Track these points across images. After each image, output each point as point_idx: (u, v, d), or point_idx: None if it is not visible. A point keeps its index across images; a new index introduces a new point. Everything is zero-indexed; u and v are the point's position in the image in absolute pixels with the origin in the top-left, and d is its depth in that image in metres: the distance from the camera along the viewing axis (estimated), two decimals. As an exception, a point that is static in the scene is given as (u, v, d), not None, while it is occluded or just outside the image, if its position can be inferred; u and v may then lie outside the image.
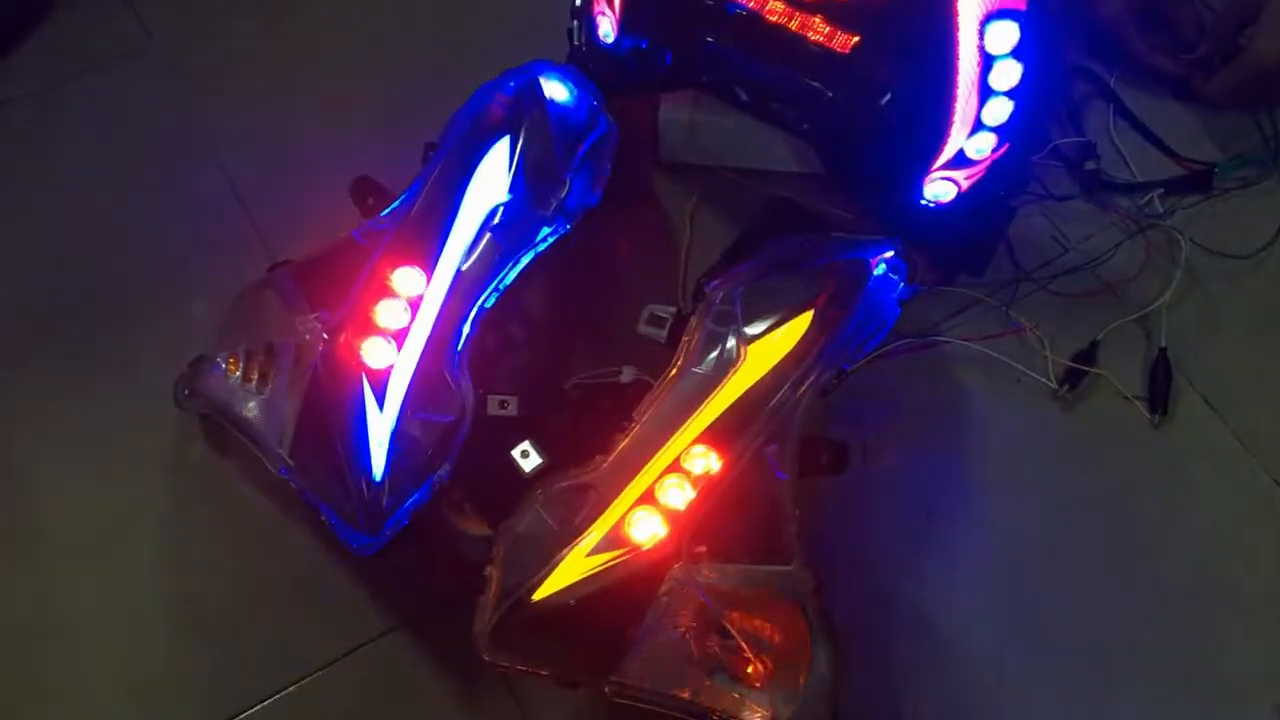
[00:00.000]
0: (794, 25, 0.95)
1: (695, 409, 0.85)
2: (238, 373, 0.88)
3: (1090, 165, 1.11)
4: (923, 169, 0.98)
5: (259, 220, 1.09)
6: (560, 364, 1.00)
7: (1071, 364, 1.04)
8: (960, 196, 0.99)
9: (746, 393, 0.86)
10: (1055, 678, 0.94)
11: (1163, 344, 1.04)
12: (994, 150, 0.96)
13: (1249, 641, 0.95)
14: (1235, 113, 1.16)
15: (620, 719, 0.85)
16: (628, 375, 0.98)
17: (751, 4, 0.96)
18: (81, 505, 0.98)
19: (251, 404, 0.89)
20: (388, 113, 1.15)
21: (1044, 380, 1.04)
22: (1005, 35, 0.90)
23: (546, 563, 0.81)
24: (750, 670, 0.81)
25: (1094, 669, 0.94)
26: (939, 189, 0.99)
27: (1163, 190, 1.12)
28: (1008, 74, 0.92)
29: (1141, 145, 1.15)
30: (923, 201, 1.00)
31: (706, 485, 0.83)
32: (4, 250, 1.08)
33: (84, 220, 1.10)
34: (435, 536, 0.91)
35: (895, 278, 0.94)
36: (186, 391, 0.95)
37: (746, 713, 0.81)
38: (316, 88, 1.17)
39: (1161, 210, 1.11)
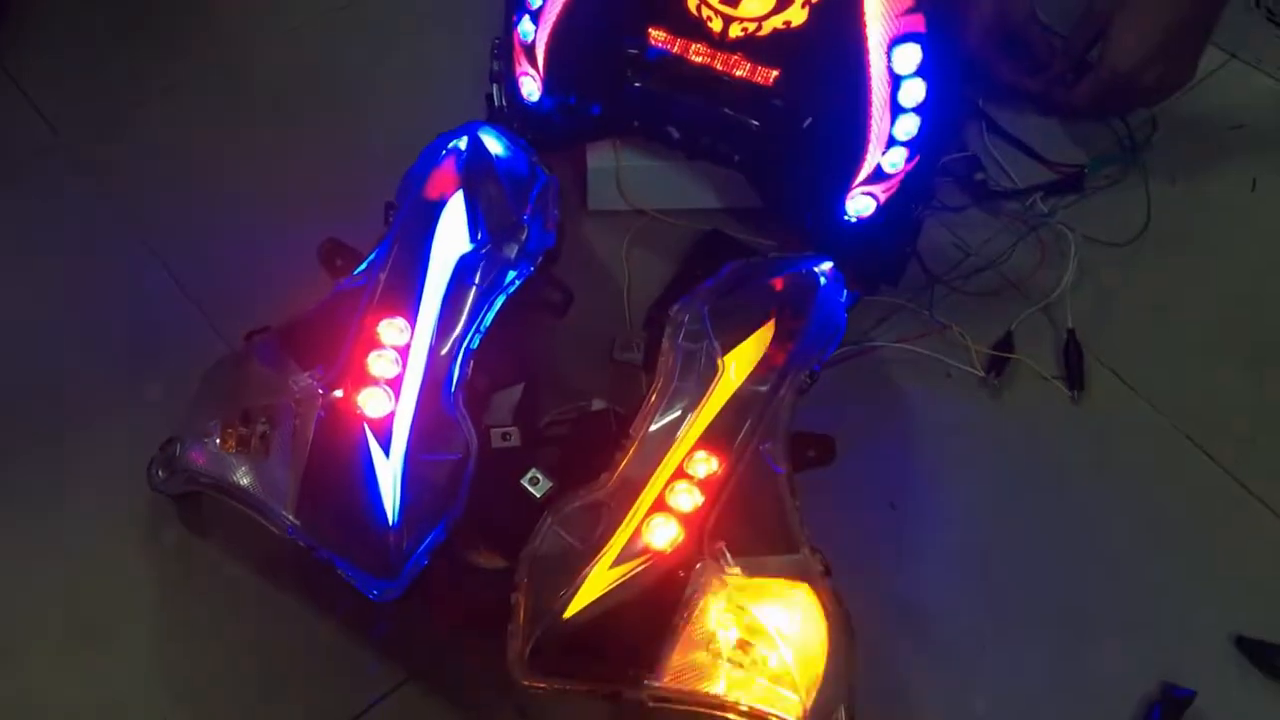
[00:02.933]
0: (717, 65, 1.03)
1: (688, 418, 0.90)
2: (230, 443, 0.88)
3: (979, 176, 1.22)
4: (845, 186, 1.06)
5: (200, 299, 1.10)
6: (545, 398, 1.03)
7: (993, 353, 1.13)
8: (879, 210, 1.08)
9: (731, 398, 0.91)
10: (1031, 638, 1.00)
11: (1070, 326, 1.14)
12: (906, 163, 1.05)
13: (1194, 582, 1.03)
14: (1092, 120, 1.29)
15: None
16: (597, 405, 1.02)
17: (675, 49, 1.04)
18: (60, 605, 0.96)
19: (243, 471, 0.89)
20: (309, 186, 1.18)
21: (972, 370, 1.12)
22: (910, 56, 0.99)
23: (572, 580, 0.84)
24: (776, 661, 0.85)
25: (1063, 625, 1.00)
26: (860, 204, 1.08)
27: (1043, 193, 1.23)
28: (914, 92, 1.01)
29: (1016, 155, 1.27)
30: (846, 217, 1.08)
31: (712, 486, 0.87)
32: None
33: (19, 324, 1.09)
34: (435, 582, 0.92)
35: (839, 285, 1.01)
36: (162, 474, 0.94)
37: (777, 701, 0.84)
38: (236, 166, 1.20)
39: (1045, 210, 1.22)
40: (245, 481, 0.88)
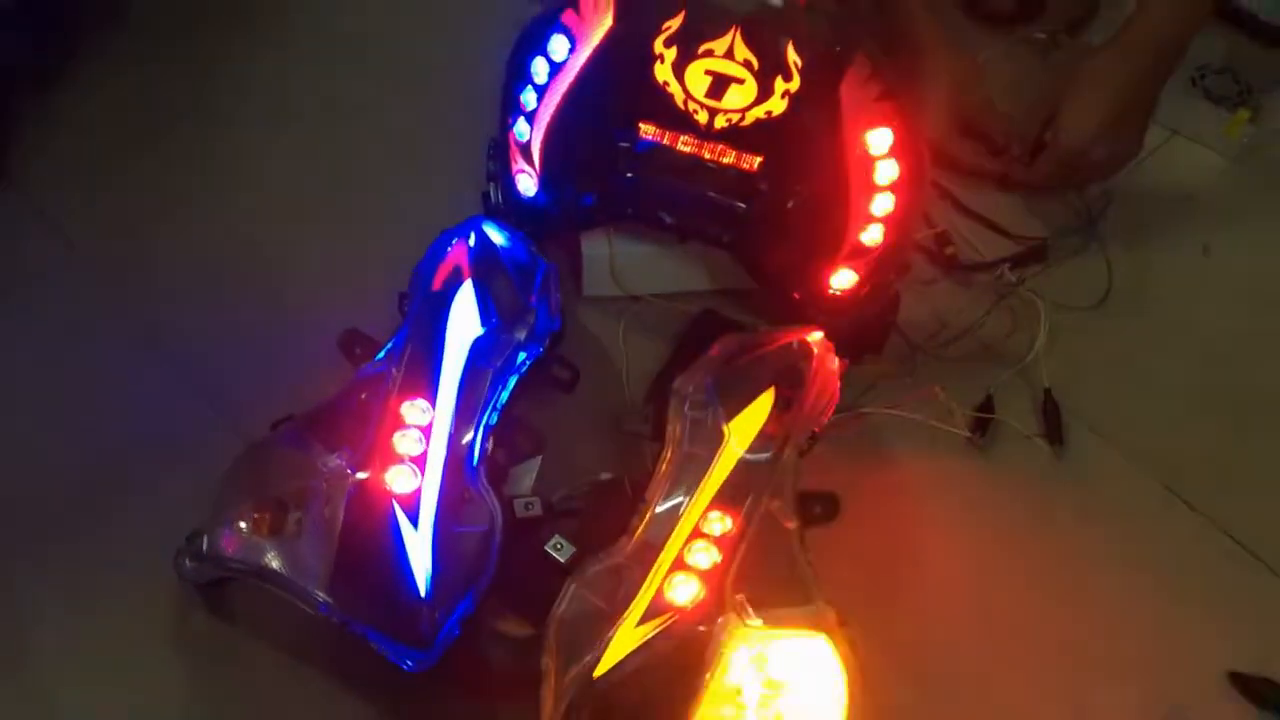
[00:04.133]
0: (705, 154, 1.10)
1: (699, 482, 0.95)
2: (263, 528, 0.91)
3: (949, 250, 1.30)
4: (828, 261, 1.13)
5: (218, 400, 1.14)
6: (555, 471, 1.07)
7: (976, 414, 1.19)
8: (860, 283, 1.14)
9: (739, 462, 0.96)
10: (1033, 682, 1.04)
11: (1046, 386, 1.21)
12: (884, 238, 1.12)
13: (1186, 622, 1.08)
14: (1048, 195, 1.37)
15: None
16: (605, 476, 1.06)
17: (664, 140, 1.11)
18: (95, 703, 0.98)
19: (274, 554, 0.92)
20: (319, 283, 1.24)
21: (958, 431, 1.18)
22: (883, 139, 1.07)
23: (600, 640, 0.87)
24: (799, 709, 0.88)
25: (1063, 668, 1.05)
26: (843, 279, 1.14)
27: (1010, 264, 1.30)
28: (888, 171, 1.08)
29: (982, 231, 1.35)
30: (831, 291, 1.15)
31: (728, 544, 0.91)
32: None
33: (42, 428, 1.13)
34: (462, 652, 0.94)
35: (831, 354, 1.07)
36: (190, 563, 0.97)
37: (802, 749, 0.88)
38: (248, 269, 1.25)
39: (1014, 280, 1.29)
40: (276, 564, 0.91)
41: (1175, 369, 1.25)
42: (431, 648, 0.87)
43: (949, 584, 1.08)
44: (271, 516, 0.91)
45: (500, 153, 1.18)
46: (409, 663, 0.87)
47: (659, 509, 0.94)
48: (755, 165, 1.10)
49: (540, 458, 1.03)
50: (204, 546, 0.95)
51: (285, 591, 0.91)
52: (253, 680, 0.98)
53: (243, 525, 0.93)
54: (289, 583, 0.90)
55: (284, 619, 0.95)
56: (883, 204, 1.10)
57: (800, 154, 1.08)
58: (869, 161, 1.08)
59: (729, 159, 1.10)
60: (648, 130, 1.11)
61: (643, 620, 0.88)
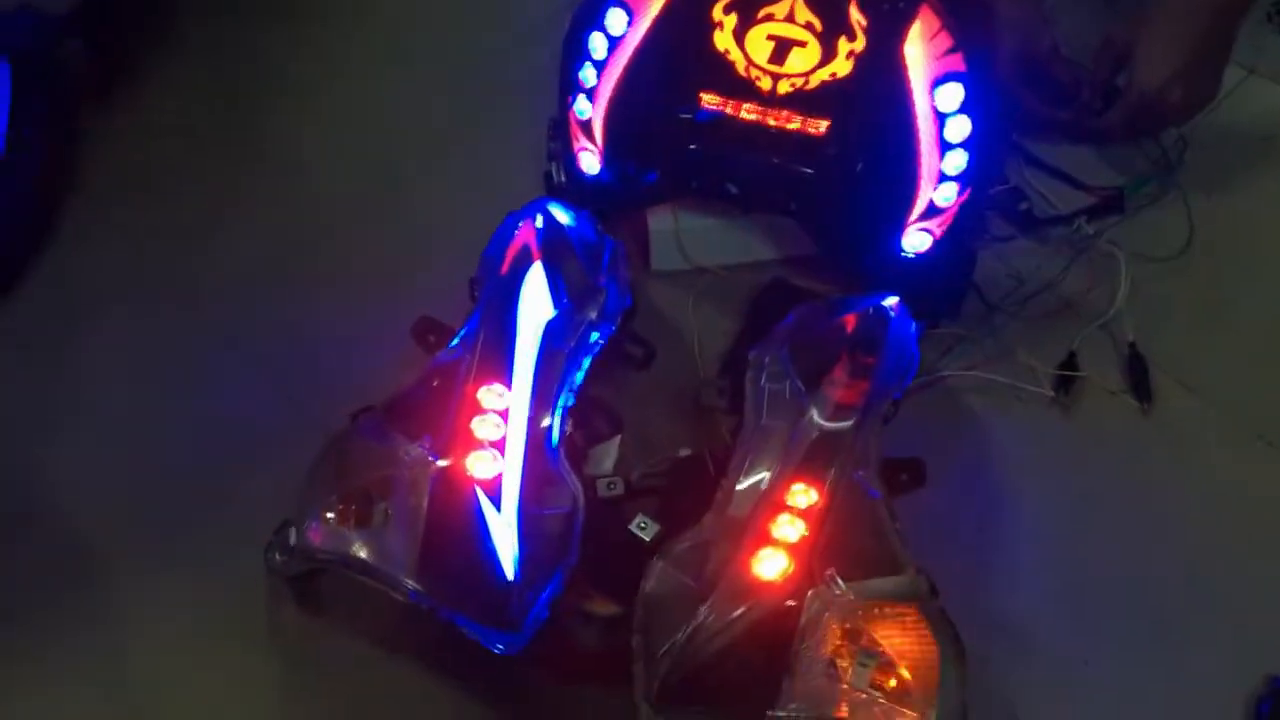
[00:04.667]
0: (769, 121, 1.08)
1: (781, 454, 0.93)
2: (350, 519, 0.91)
3: (1024, 206, 1.27)
4: (900, 224, 1.11)
5: (293, 395, 1.15)
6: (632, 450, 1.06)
7: (1059, 373, 1.16)
8: (935, 244, 1.12)
9: (822, 432, 0.95)
10: (1131, 646, 1.01)
11: (1130, 340, 1.17)
12: (958, 196, 1.09)
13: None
14: (1123, 144, 1.33)
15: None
16: (684, 452, 1.06)
17: (727, 110, 1.09)
18: (193, 696, 0.99)
19: (361, 544, 0.92)
20: (388, 273, 1.24)
21: (1041, 391, 1.15)
22: (953, 95, 1.04)
23: (691, 617, 0.87)
24: (893, 682, 0.87)
25: (1160, 631, 1.02)
26: (916, 240, 1.12)
27: (1087, 216, 1.27)
28: (960, 128, 1.06)
29: (1055, 184, 1.31)
30: (904, 254, 1.12)
31: (814, 516, 0.90)
32: (50, 473, 1.11)
33: (126, 435, 1.15)
34: (550, 634, 0.94)
35: (908, 318, 1.05)
36: (279, 556, 0.98)
37: (898, 720, 0.87)
38: (316, 268, 1.25)
39: (1092, 232, 1.26)
40: (364, 554, 0.91)
41: (1264, 315, 1.22)
42: (521, 630, 0.87)
43: (1040, 548, 1.06)
44: (357, 507, 0.91)
45: (561, 131, 1.17)
46: (499, 646, 0.88)
47: (741, 484, 0.93)
48: (822, 129, 1.07)
49: (619, 437, 1.03)
50: (291, 539, 0.96)
51: (374, 580, 0.91)
52: (344, 671, 0.99)
53: (330, 517, 0.93)
54: (377, 571, 0.90)
55: (373, 609, 0.96)
56: (955, 161, 1.07)
57: (868, 115, 1.06)
58: (939, 118, 1.05)
59: (794, 125, 1.08)
60: (710, 100, 1.09)
61: (732, 596, 0.87)
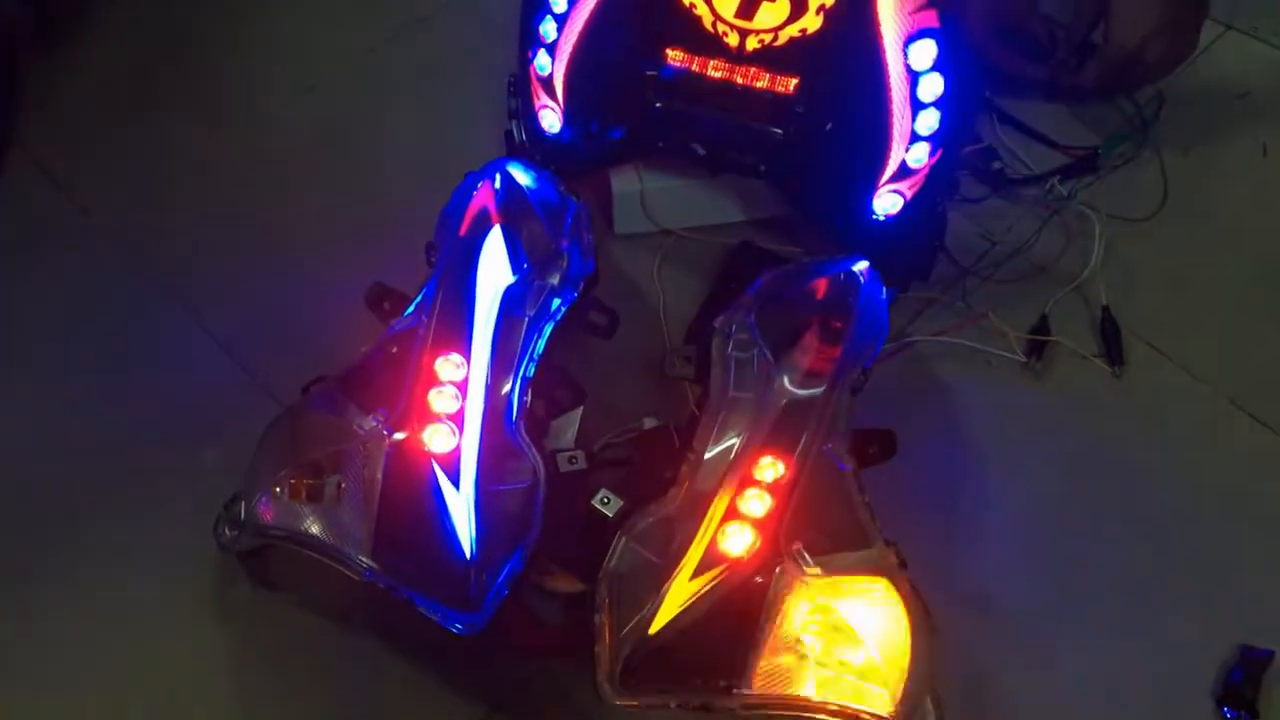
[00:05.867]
0: (737, 79, 1.05)
1: (748, 426, 0.91)
2: (300, 493, 0.88)
3: (996, 165, 1.24)
4: (872, 185, 1.08)
5: (248, 363, 1.11)
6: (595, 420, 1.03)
7: (1031, 337, 1.14)
8: (906, 206, 1.09)
9: (789, 403, 0.92)
10: (1104, 614, 1.00)
11: (1104, 303, 1.15)
12: (930, 157, 1.06)
13: (1258, 543, 1.04)
14: (1099, 102, 1.30)
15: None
16: (649, 423, 1.03)
17: (693, 66, 1.05)
18: (137, 676, 0.96)
19: (314, 520, 0.89)
20: (342, 238, 1.20)
21: (1012, 356, 1.13)
22: (926, 52, 1.01)
23: (654, 595, 0.84)
24: (862, 657, 0.85)
25: (1133, 598, 1.01)
26: (887, 202, 1.09)
27: (1060, 176, 1.25)
28: (932, 86, 1.03)
29: (1028, 143, 1.29)
30: (875, 216, 1.09)
31: (782, 490, 0.88)
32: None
33: (68, 400, 1.10)
34: (511, 612, 0.92)
35: (878, 283, 1.02)
36: (229, 531, 0.94)
37: (866, 697, 0.85)
38: (268, 226, 1.21)
39: (1065, 193, 1.23)
40: (317, 530, 0.88)
41: (1238, 278, 1.20)
42: (480, 610, 0.85)
43: (1011, 517, 1.05)
44: (309, 482, 0.88)
45: (522, 88, 1.13)
46: (458, 626, 0.85)
47: (708, 456, 0.90)
48: (791, 87, 1.04)
49: (581, 408, 1.00)
50: (242, 514, 0.92)
51: (328, 558, 0.88)
52: (298, 650, 0.97)
53: (280, 491, 0.90)
54: (331, 549, 0.87)
55: (328, 586, 0.92)
56: (928, 121, 1.04)
57: (838, 72, 1.03)
58: (912, 76, 1.02)
59: (762, 82, 1.04)
60: (675, 56, 1.05)
61: (697, 573, 0.85)
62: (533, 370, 0.94)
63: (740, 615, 0.84)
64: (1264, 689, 0.94)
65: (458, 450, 0.88)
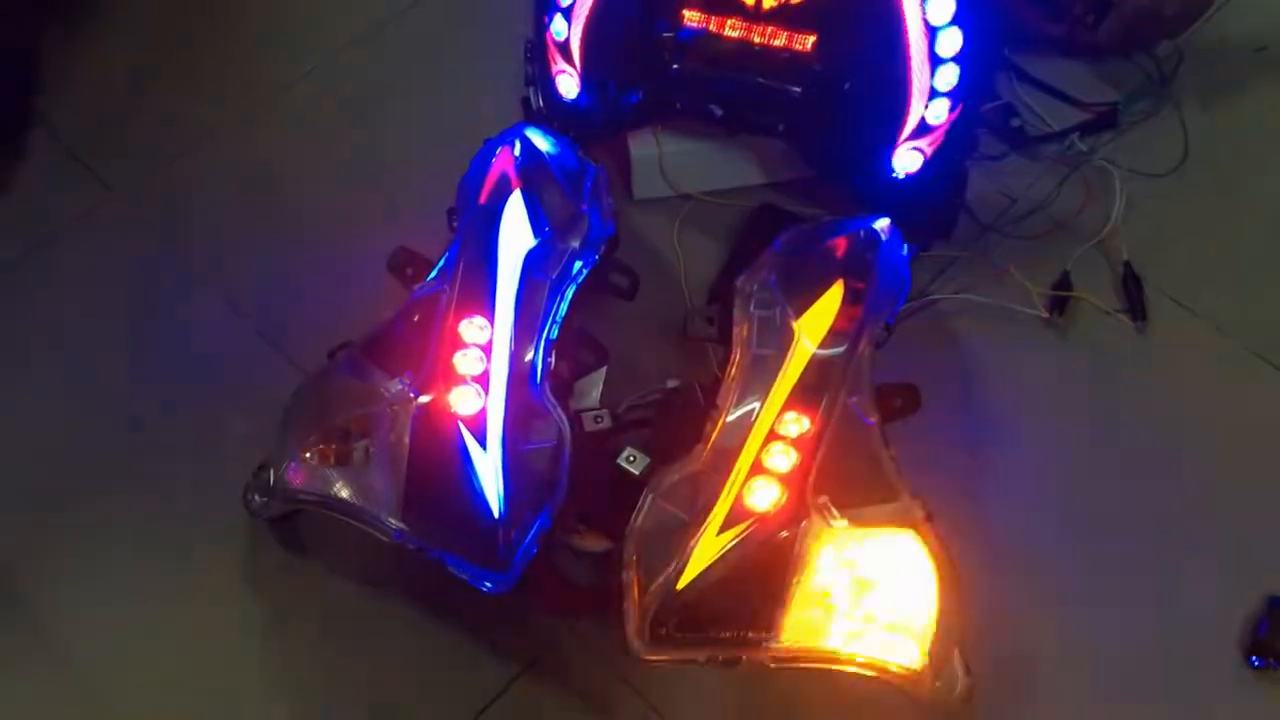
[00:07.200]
0: (754, 38, 1.04)
1: (772, 383, 0.91)
2: (330, 458, 0.89)
3: (1015, 123, 1.23)
4: (891, 143, 1.07)
5: (270, 332, 1.12)
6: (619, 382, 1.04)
7: (1053, 293, 1.13)
8: (926, 164, 1.09)
9: (812, 359, 0.92)
10: (1130, 567, 1.01)
11: (1125, 259, 1.15)
12: (950, 113, 1.05)
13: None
14: (1117, 58, 1.29)
15: (763, 699, 0.89)
16: (672, 384, 1.03)
17: (710, 26, 1.05)
18: (171, 644, 0.97)
19: (343, 484, 0.90)
20: (363, 206, 1.20)
21: (1035, 312, 1.13)
22: (944, 7, 1.00)
23: (682, 551, 0.85)
24: (889, 610, 0.86)
25: (1159, 551, 1.01)
26: (907, 160, 1.08)
27: (1080, 133, 1.24)
28: (951, 41, 1.02)
29: (1047, 100, 1.28)
30: (895, 175, 1.09)
31: (807, 444, 0.88)
32: (19, 418, 1.08)
33: (95, 374, 1.11)
34: (539, 571, 0.92)
35: (899, 240, 1.02)
36: (259, 498, 0.95)
37: (895, 650, 0.85)
38: (287, 197, 1.22)
39: (1085, 150, 1.23)
40: (346, 494, 0.89)
41: (1260, 232, 1.20)
42: (509, 568, 0.85)
43: (1035, 470, 1.05)
44: (337, 446, 0.89)
45: (538, 54, 1.13)
46: (488, 584, 0.86)
47: (732, 414, 0.90)
48: (809, 45, 1.04)
49: (605, 369, 1.00)
50: (271, 480, 0.93)
51: (358, 521, 0.89)
52: (331, 613, 0.98)
53: (309, 456, 0.90)
54: (361, 511, 0.88)
55: (358, 550, 0.94)
56: (946, 77, 1.04)
57: (856, 29, 1.03)
58: (930, 31, 1.01)
59: (780, 41, 1.04)
60: (691, 17, 1.05)
61: (723, 528, 0.86)
62: (556, 332, 0.94)
63: (767, 569, 0.85)
64: (1292, 639, 0.94)
65: (484, 411, 0.89)
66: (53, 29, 1.32)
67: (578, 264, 0.98)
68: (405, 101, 1.29)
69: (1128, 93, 1.27)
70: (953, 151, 1.10)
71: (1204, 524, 1.02)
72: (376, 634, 0.97)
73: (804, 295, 0.97)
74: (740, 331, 0.96)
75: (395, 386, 0.89)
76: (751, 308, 0.96)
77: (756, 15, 1.03)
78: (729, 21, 1.04)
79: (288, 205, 1.21)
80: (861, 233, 1.02)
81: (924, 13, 1.01)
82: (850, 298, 0.96)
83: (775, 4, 1.02)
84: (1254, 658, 0.94)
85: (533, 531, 0.87)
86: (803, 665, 0.85)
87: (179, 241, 1.19)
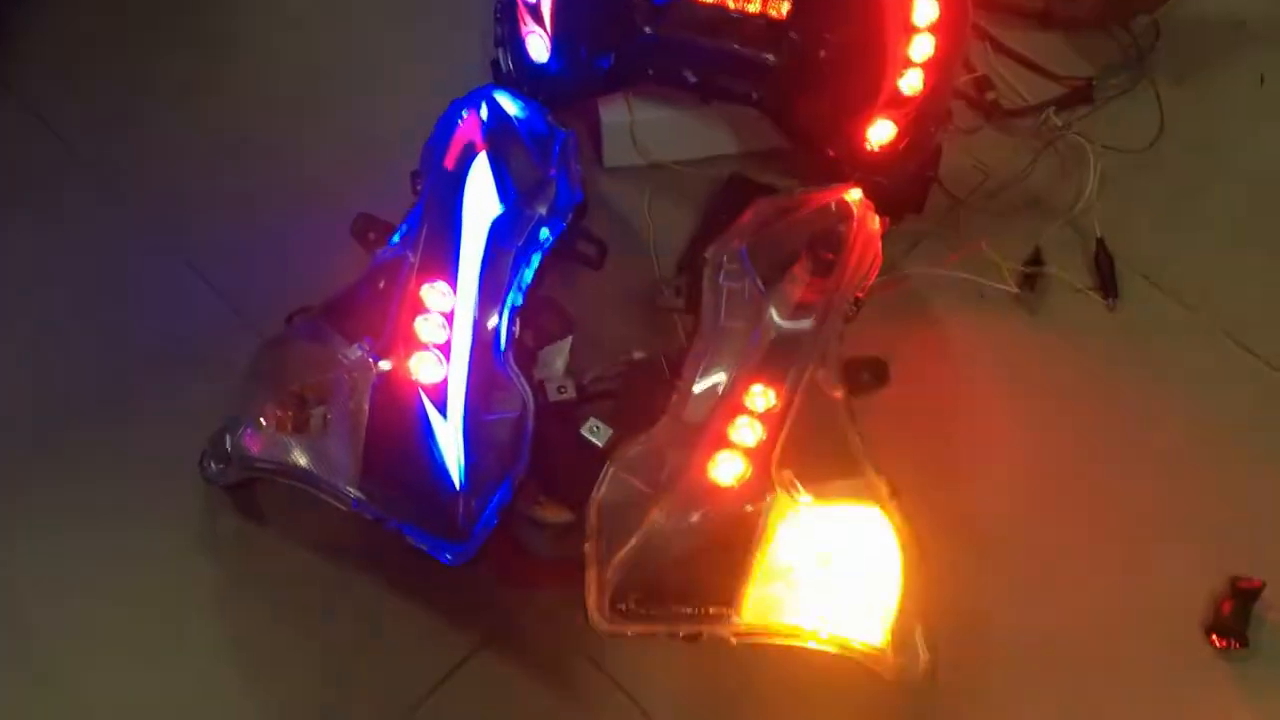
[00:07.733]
0: (730, 4, 1.03)
1: (739, 355, 0.90)
2: (286, 425, 0.87)
3: (990, 96, 1.22)
4: (865, 114, 1.05)
5: (231, 295, 1.10)
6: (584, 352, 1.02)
7: (1025, 269, 1.13)
8: (900, 135, 1.07)
9: (780, 332, 0.91)
10: (1095, 546, 1.01)
11: (1098, 235, 1.14)
12: (924, 84, 1.04)
13: (1251, 475, 1.03)
14: (1093, 32, 1.28)
15: (725, 674, 0.89)
16: (638, 355, 1.02)
17: (685, -9, 1.03)
18: (124, 606, 0.95)
19: (300, 451, 0.88)
20: (325, 169, 1.18)
21: (1006, 288, 1.12)
22: (921, -25, 0.99)
23: (644, 523, 0.84)
24: (853, 585, 0.85)
25: (1125, 530, 1.01)
26: (881, 131, 1.07)
27: (1055, 107, 1.23)
28: (928, 11, 1.01)
29: (1023, 73, 1.26)
30: (868, 146, 1.08)
31: (773, 419, 0.87)
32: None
33: (54, 340, 1.09)
34: (499, 542, 0.91)
35: (872, 213, 1.01)
36: (215, 465, 0.93)
37: (858, 626, 0.85)
38: (250, 159, 1.19)
39: (1060, 124, 1.21)
40: (304, 461, 0.88)
41: (1234, 210, 1.19)
42: (469, 539, 0.84)
43: (1002, 447, 1.04)
44: (294, 413, 0.87)
45: (508, 14, 1.11)
46: (447, 556, 0.85)
47: (698, 386, 0.89)
48: (784, 12, 1.02)
49: (570, 339, 0.99)
50: (228, 447, 0.91)
51: (315, 490, 0.88)
52: (287, 581, 0.96)
53: (265, 423, 0.89)
54: (318, 480, 0.87)
55: (316, 518, 0.92)
56: (922, 47, 1.03)
57: (833, -4, 1.01)
58: (906, 1, 0.99)
59: (755, 7, 1.03)
60: (666, -20, 1.03)
61: (687, 502, 0.84)
62: (521, 300, 0.93)
63: (730, 544, 0.84)
64: (1254, 619, 0.94)
65: (445, 380, 0.87)
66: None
67: (544, 230, 0.97)
68: (371, 63, 1.27)
69: (1104, 67, 1.26)
70: (926, 124, 1.08)
71: (1169, 503, 1.02)
72: (333, 603, 0.95)
73: (773, 267, 0.95)
74: (708, 302, 0.94)
75: (354, 352, 0.88)
76: (720, 279, 0.95)
77: (732, -21, 1.01)
78: (704, -15, 1.02)
79: (251, 168, 1.18)
80: (833, 205, 1.00)
81: (900, -19, 0.99)
82: (821, 270, 0.95)
83: (751, -31, 1.00)
84: (1216, 636, 0.94)
85: (493, 502, 0.86)
86: (765, 641, 0.85)
87: (142, 207, 1.16)
